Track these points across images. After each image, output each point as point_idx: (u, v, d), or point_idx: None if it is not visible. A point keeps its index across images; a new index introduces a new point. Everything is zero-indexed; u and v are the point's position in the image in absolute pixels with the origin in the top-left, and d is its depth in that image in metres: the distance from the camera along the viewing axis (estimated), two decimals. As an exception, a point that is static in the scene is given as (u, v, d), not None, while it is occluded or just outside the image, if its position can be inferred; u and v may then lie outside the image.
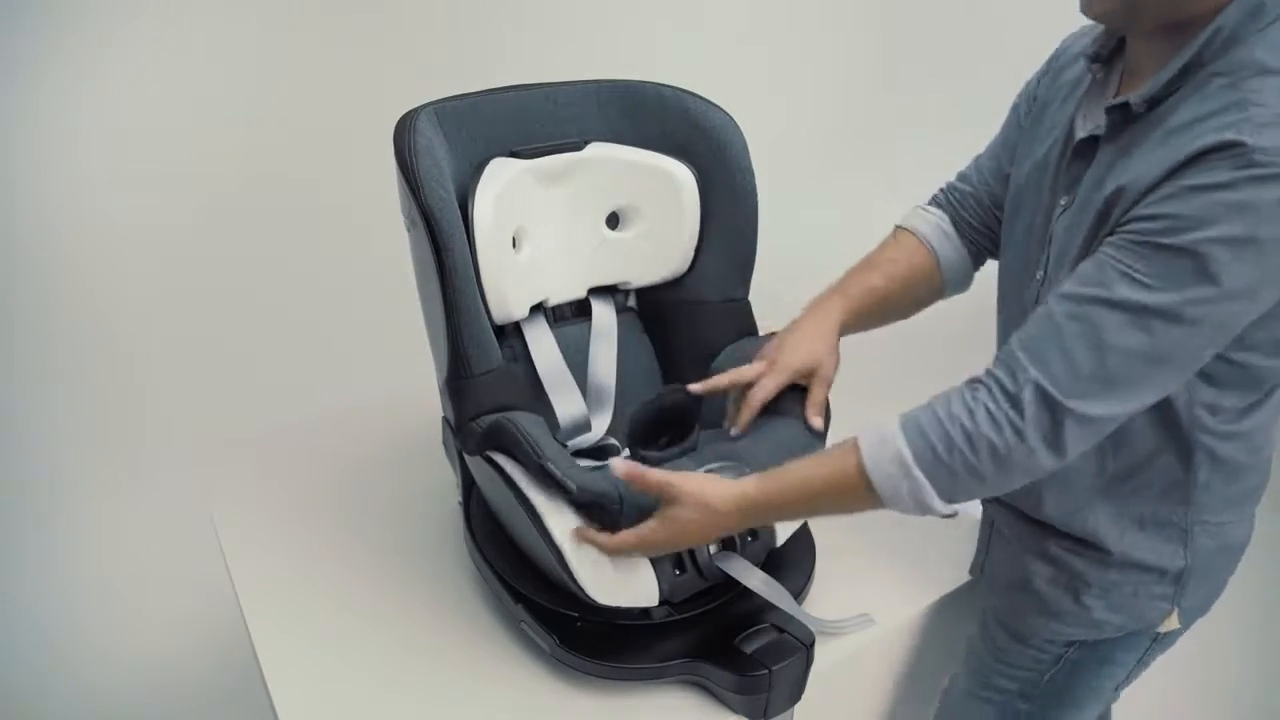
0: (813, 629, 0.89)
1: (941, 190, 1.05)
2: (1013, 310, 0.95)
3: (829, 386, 0.96)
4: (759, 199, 1.04)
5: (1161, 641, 0.94)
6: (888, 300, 1.00)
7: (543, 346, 1.03)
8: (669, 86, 1.04)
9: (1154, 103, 0.74)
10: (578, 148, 1.01)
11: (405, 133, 0.87)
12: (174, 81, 2.03)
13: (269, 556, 1.08)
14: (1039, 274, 0.88)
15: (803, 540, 1.03)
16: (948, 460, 0.73)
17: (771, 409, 0.95)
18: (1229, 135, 0.64)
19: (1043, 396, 0.70)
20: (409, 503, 1.17)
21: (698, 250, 1.06)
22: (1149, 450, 0.83)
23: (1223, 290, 0.66)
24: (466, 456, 0.96)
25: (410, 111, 0.90)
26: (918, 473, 0.73)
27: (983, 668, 1.02)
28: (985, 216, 1.01)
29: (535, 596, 0.91)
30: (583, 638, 0.88)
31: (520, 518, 0.86)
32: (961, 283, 1.05)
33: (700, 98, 1.03)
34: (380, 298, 1.98)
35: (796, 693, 0.87)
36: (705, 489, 0.79)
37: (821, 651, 0.89)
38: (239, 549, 1.10)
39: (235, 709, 1.71)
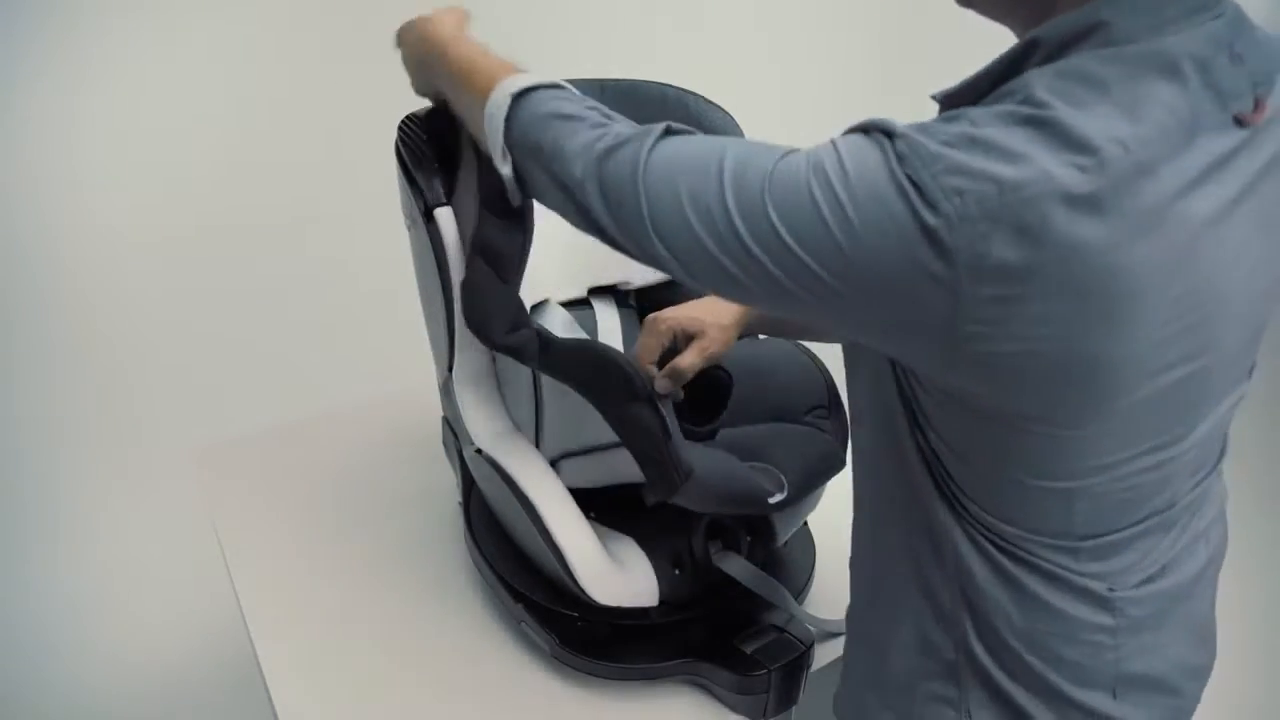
0: (813, 629, 0.89)
1: None
2: None
3: (704, 359, 0.88)
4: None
5: None
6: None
7: (559, 322, 1.03)
8: (671, 86, 1.04)
9: (961, 106, 0.60)
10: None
11: (408, 131, 0.87)
12: (172, 81, 2.03)
13: (269, 556, 1.08)
14: None
15: (803, 540, 1.03)
16: (538, 113, 0.67)
17: (781, 413, 0.95)
18: (905, 126, 0.53)
19: (633, 154, 0.61)
20: (409, 503, 1.17)
21: None
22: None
23: (803, 242, 0.53)
24: (466, 456, 0.96)
25: (413, 113, 0.90)
26: (504, 96, 0.68)
27: None
28: None
29: (535, 596, 0.91)
30: (583, 638, 0.88)
31: (520, 518, 0.86)
32: None
33: (701, 97, 1.03)
34: (380, 298, 1.98)
35: (796, 693, 0.87)
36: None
37: (821, 651, 0.89)
38: (239, 549, 1.10)
39: (235, 709, 1.71)
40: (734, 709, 0.86)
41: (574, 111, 0.67)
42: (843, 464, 0.92)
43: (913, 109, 0.61)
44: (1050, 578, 0.63)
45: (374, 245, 1.83)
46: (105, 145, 2.01)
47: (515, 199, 0.74)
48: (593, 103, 0.69)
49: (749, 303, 0.63)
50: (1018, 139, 0.50)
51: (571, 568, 0.82)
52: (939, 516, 0.65)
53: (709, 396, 0.96)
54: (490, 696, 0.89)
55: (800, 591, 0.97)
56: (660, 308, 1.10)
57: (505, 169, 0.70)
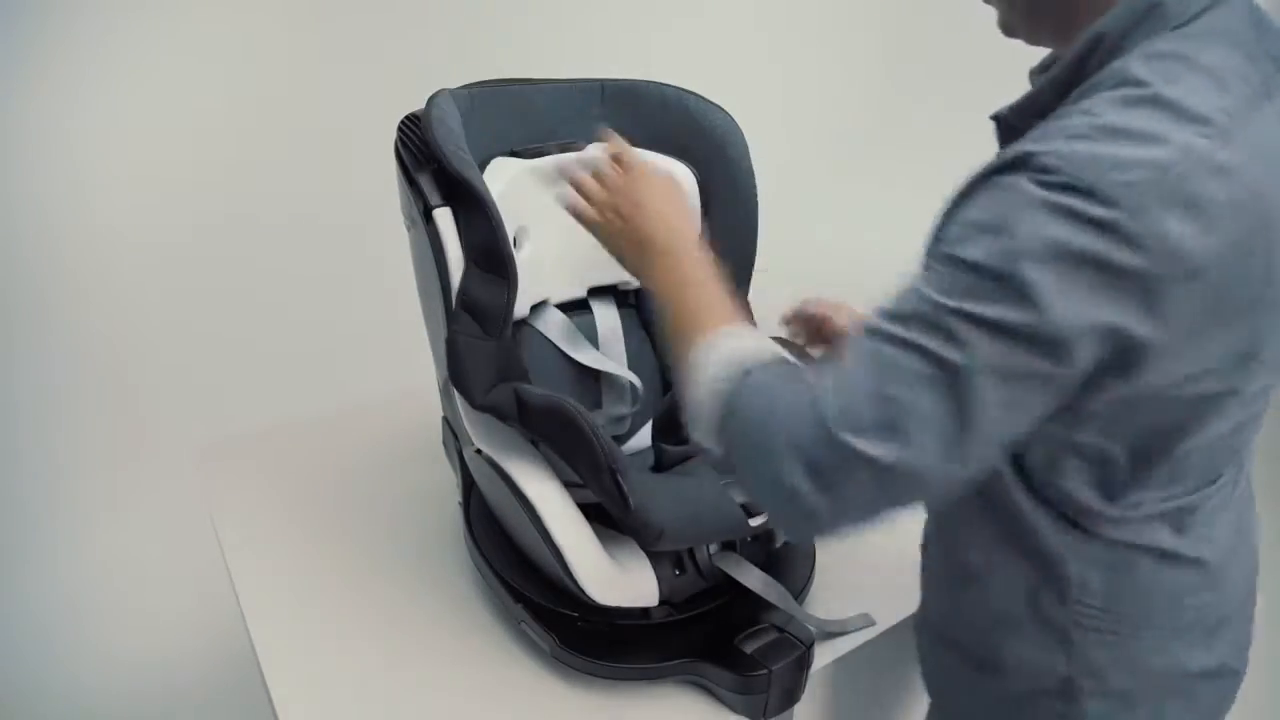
0: (813, 629, 0.89)
1: None
2: None
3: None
4: (759, 199, 1.04)
5: None
6: None
7: (556, 326, 1.02)
8: (670, 86, 1.04)
9: (1028, 118, 0.63)
10: (579, 148, 1.01)
11: (408, 132, 0.88)
12: (173, 82, 2.03)
13: (269, 556, 1.08)
14: None
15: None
16: (729, 398, 0.64)
17: None
18: (1026, 147, 0.54)
19: (814, 411, 0.58)
20: (409, 503, 1.17)
21: None
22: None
23: (998, 315, 0.53)
24: (466, 456, 0.95)
25: (413, 113, 0.90)
26: (706, 376, 0.66)
27: None
28: None
29: (535, 596, 0.91)
30: (583, 638, 0.88)
31: (520, 518, 0.86)
32: None
33: (701, 98, 1.03)
34: (380, 298, 1.98)
35: (796, 693, 0.87)
36: (674, 192, 0.83)
37: (821, 651, 0.89)
38: (239, 549, 1.10)
39: (235, 709, 1.71)
40: (734, 709, 0.86)
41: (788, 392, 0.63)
42: None
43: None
44: (1162, 554, 0.69)
45: (374, 246, 1.83)
46: (106, 146, 2.01)
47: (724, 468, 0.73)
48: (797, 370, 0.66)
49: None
50: (1141, 119, 0.53)
51: (571, 568, 0.82)
52: (1049, 538, 0.69)
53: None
54: (490, 696, 0.89)
55: (800, 591, 0.97)
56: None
57: (715, 446, 0.67)
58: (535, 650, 0.93)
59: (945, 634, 0.83)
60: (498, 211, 0.83)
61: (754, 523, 0.85)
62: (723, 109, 1.03)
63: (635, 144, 1.03)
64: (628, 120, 1.03)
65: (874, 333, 0.58)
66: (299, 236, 2.25)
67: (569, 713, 0.87)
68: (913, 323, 0.56)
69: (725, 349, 0.67)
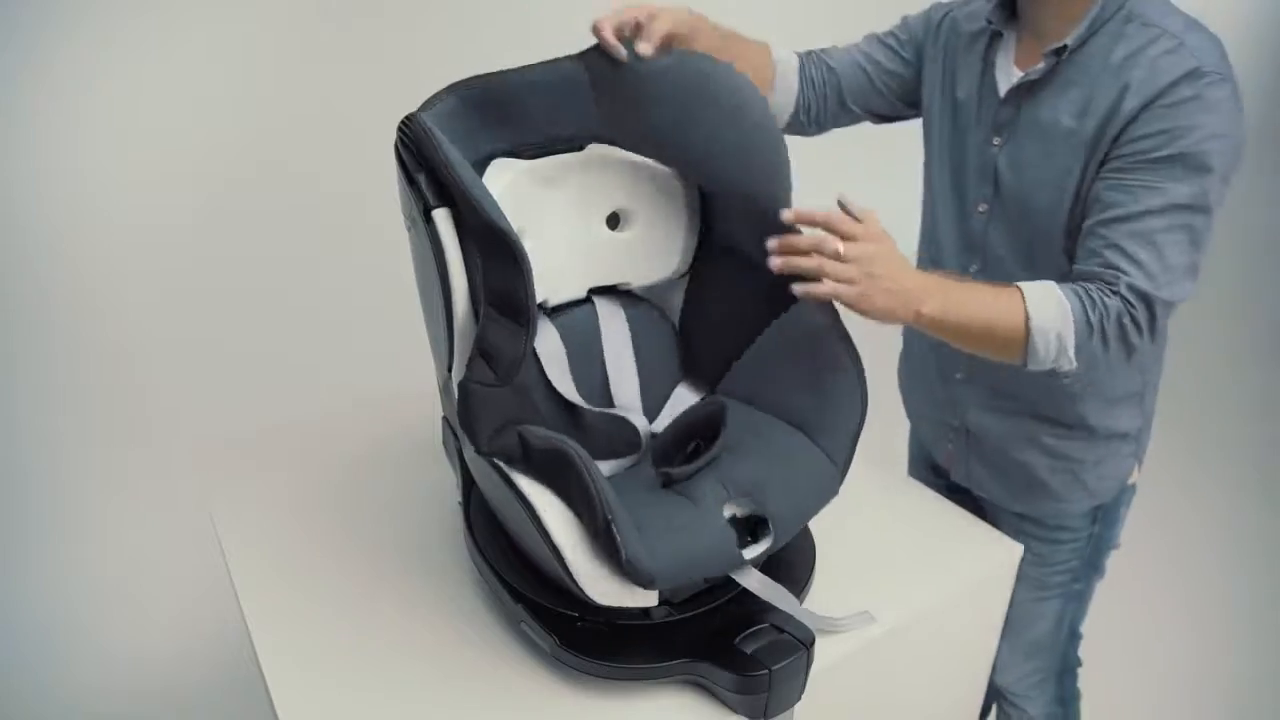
0: (813, 628, 0.89)
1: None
2: (947, 240, 1.14)
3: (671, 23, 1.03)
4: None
5: (1131, 490, 1.23)
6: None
7: (552, 357, 1.02)
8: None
9: (1080, 45, 0.96)
10: (578, 148, 1.00)
11: (408, 132, 0.87)
12: (175, 81, 2.03)
13: (269, 556, 1.08)
14: (982, 207, 1.08)
15: (803, 540, 1.03)
16: (1091, 319, 0.92)
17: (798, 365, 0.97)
18: (1189, 64, 0.88)
19: (1136, 292, 0.91)
20: (409, 503, 1.17)
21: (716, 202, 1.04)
22: None
23: (1218, 175, 0.89)
24: (466, 456, 0.95)
25: (413, 113, 0.90)
26: (1071, 322, 0.91)
27: (1037, 577, 1.24)
28: (825, 86, 1.26)
29: (535, 596, 0.91)
30: (583, 638, 0.88)
31: (520, 518, 0.86)
32: (784, 96, 1.23)
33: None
34: (380, 297, 1.98)
35: (796, 693, 0.87)
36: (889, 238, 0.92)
37: (821, 651, 0.89)
38: (239, 549, 1.10)
39: (235, 709, 1.72)
40: (734, 709, 0.86)
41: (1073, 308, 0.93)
42: (835, 493, 0.94)
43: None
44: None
45: (374, 246, 1.83)
46: (109, 144, 2.01)
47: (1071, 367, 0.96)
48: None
49: None
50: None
51: (571, 568, 0.82)
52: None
53: (708, 429, 0.95)
54: (490, 696, 0.89)
55: (800, 591, 0.97)
56: (660, 309, 1.10)
57: (1073, 364, 0.94)
58: (535, 650, 0.93)
59: (1042, 413, 1.14)
60: (529, 262, 0.81)
61: (748, 555, 0.86)
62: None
63: (630, 142, 1.02)
64: (623, 110, 1.02)
65: (1154, 229, 0.91)
66: (300, 236, 2.25)
67: (569, 713, 0.87)
68: (1173, 212, 0.90)
69: (1042, 301, 0.92)
